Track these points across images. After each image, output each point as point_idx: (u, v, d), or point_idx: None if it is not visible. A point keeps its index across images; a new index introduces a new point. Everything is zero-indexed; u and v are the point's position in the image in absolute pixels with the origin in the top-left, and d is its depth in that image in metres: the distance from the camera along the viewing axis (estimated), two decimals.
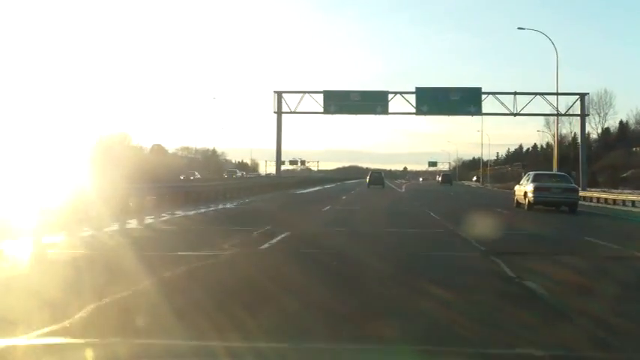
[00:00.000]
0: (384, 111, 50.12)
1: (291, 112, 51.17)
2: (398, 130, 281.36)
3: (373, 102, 49.92)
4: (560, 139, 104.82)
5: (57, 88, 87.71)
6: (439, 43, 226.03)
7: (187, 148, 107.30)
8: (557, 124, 52.83)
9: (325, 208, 22.86)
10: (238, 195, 32.16)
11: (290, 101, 51.38)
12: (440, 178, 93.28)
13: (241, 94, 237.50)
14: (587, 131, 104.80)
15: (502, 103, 49.36)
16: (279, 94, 51.09)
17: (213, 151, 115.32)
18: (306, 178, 79.83)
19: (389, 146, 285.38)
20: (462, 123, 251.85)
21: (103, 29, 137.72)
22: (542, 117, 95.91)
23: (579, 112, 51.41)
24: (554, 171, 47.98)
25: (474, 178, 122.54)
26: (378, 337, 5.15)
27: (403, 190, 55.40)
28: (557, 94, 49.12)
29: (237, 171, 74.70)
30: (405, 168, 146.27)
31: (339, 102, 50.18)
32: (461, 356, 3.81)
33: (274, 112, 51.23)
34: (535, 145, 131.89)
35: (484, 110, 50.52)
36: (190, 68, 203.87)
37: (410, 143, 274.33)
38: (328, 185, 68.32)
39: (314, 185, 63.94)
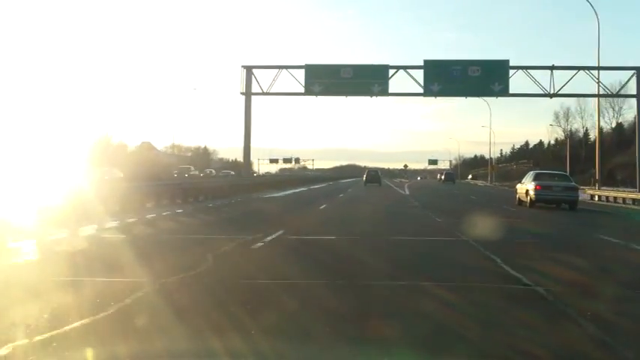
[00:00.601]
0: (384, 91, 38.81)
1: (263, 94, 39.85)
2: (398, 129, 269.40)
3: (369, 79, 38.57)
4: (570, 135, 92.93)
5: (34, 89, 79.92)
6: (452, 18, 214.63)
7: (178, 146, 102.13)
8: (599, 106, 40.94)
9: (268, 238, 11.58)
10: (160, 204, 20.93)
11: (263, 80, 40.34)
12: (442, 177, 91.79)
13: (230, 90, 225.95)
14: (600, 126, 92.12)
15: (535, 81, 38.16)
16: (249, 70, 39.73)
17: (205, 149, 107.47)
18: (293, 177, 69.26)
19: (388, 145, 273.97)
20: (465, 120, 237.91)
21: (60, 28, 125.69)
22: (551, 111, 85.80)
23: (635, 92, 39.51)
24: (597, 169, 41.36)
25: (470, 176, 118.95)
26: None
27: (407, 192, 43.88)
28: (599, 68, 37.85)
29: (193, 168, 63.43)
30: (406, 166, 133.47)
31: (325, 79, 38.80)
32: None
33: (241, 93, 39.90)
34: (541, 142, 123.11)
35: (511, 90, 38.77)
36: (171, 62, 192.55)
37: (410, 141, 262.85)
38: (317, 185, 57.73)
39: (299, 186, 53.09)
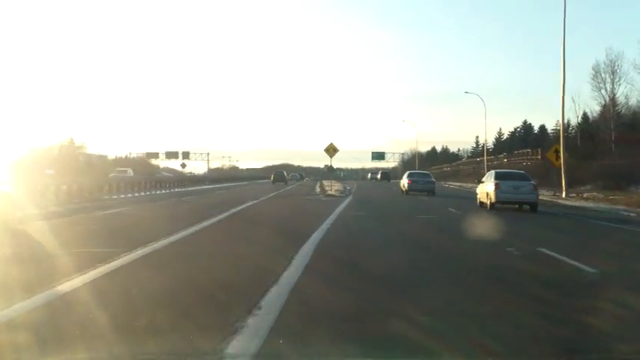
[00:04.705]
0: None
1: None
2: (339, 126, 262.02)
3: None
4: (613, 103, 60.23)
5: None
6: None
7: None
8: None
9: None
10: None
11: None
12: (379, 177, 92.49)
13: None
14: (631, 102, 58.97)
15: None
16: None
17: (71, 143, 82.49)
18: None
19: (326, 143, 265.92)
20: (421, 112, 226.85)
21: None
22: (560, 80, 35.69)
23: None
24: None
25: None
26: None
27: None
28: None
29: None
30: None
31: None
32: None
33: None
34: (529, 125, 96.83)
35: None
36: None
37: (354, 140, 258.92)
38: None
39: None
